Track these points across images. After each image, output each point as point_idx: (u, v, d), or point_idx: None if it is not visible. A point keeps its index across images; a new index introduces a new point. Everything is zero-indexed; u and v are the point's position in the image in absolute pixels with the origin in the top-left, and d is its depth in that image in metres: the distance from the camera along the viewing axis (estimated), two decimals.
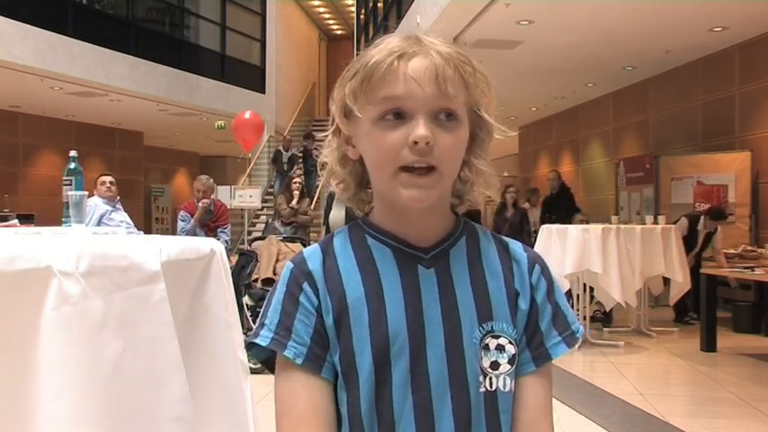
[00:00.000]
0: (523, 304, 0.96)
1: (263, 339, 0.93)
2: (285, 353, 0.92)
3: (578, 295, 6.70)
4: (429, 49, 0.90)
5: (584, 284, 6.72)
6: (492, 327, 0.94)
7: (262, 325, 0.95)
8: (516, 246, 1.01)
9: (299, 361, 0.91)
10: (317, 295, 0.93)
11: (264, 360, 0.97)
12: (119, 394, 1.26)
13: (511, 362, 0.94)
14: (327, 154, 0.99)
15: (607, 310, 7.28)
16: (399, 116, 0.89)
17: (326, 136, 0.99)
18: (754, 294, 7.33)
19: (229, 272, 1.64)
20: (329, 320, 0.92)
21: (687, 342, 6.80)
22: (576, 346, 6.39)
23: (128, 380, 1.27)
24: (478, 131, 0.96)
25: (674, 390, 5.56)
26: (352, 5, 19.11)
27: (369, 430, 0.91)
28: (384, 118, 0.89)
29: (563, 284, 6.48)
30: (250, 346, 0.96)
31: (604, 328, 7.44)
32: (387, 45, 0.91)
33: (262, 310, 0.97)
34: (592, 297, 7.14)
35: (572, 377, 5.41)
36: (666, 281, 7.37)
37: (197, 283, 1.52)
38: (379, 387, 0.90)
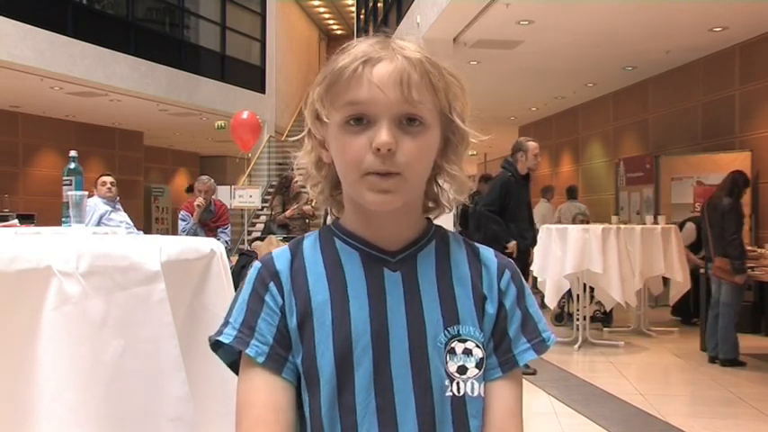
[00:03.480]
0: (491, 308, 0.96)
1: (226, 337, 0.93)
2: (247, 351, 0.92)
3: (578, 295, 6.70)
4: (395, 54, 0.89)
5: (584, 284, 6.72)
6: (458, 330, 0.93)
7: (226, 323, 0.94)
8: (487, 251, 1.01)
9: (260, 360, 0.91)
10: (283, 296, 0.93)
11: (230, 363, 0.97)
12: (119, 394, 1.26)
13: (478, 366, 0.93)
14: (303, 156, 0.99)
15: (607, 310, 7.29)
16: (363, 121, 0.89)
17: (302, 138, 1.00)
18: (754, 294, 7.32)
19: (229, 272, 1.64)
20: (293, 322, 0.92)
21: (687, 342, 6.81)
22: (576, 346, 6.40)
23: (128, 380, 1.27)
24: (451, 136, 0.95)
25: (674, 390, 5.55)
26: (352, 5, 19.09)
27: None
28: (348, 123, 0.89)
29: (563, 284, 6.48)
30: (215, 346, 0.95)
31: (604, 328, 7.44)
32: (354, 50, 0.91)
33: (228, 308, 0.97)
34: (592, 297, 7.13)
35: (572, 377, 5.41)
36: (666, 281, 7.38)
37: (197, 283, 1.52)
38: (341, 390, 0.90)
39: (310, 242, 0.99)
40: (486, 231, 5.49)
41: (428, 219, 1.01)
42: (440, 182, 0.99)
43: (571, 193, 10.07)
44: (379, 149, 0.87)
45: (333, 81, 0.90)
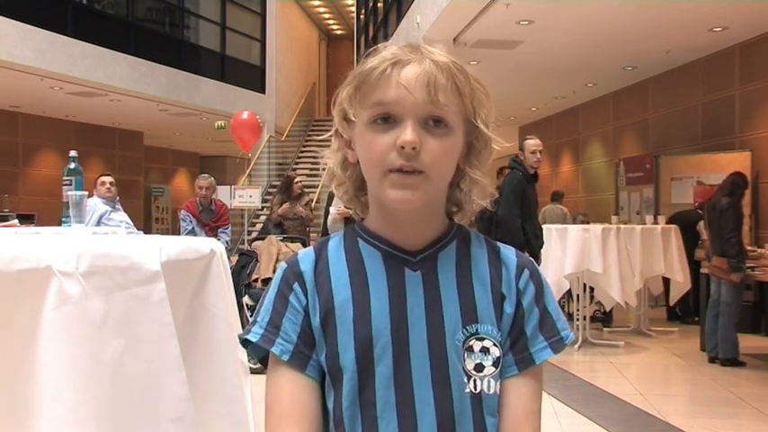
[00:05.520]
0: (509, 308, 0.97)
1: (254, 336, 0.97)
2: (273, 349, 0.96)
3: (578, 295, 6.69)
4: (424, 58, 0.92)
5: (584, 284, 6.71)
6: (477, 329, 0.95)
7: (254, 322, 0.98)
8: (508, 250, 1.02)
9: (285, 358, 0.95)
10: (306, 296, 0.97)
11: (262, 358, 1.00)
12: (119, 394, 1.26)
13: (495, 364, 0.95)
14: (330, 156, 1.02)
15: (607, 310, 7.29)
16: (390, 121, 0.91)
17: (330, 137, 1.02)
18: (754, 294, 7.32)
19: (229, 272, 1.64)
20: (316, 321, 0.96)
21: (687, 342, 6.81)
22: (576, 346, 6.41)
23: (128, 380, 1.27)
24: (475, 141, 0.97)
25: (674, 390, 5.56)
26: (352, 5, 19.07)
27: (351, 426, 0.93)
28: (375, 122, 0.92)
29: (563, 284, 6.48)
30: (245, 343, 0.99)
31: (604, 328, 7.44)
32: (384, 52, 0.94)
33: (257, 307, 1.01)
34: (592, 297, 7.13)
35: (572, 377, 5.41)
36: (665, 281, 7.38)
37: (197, 283, 1.52)
38: (362, 385, 0.93)
39: (335, 243, 1.02)
40: (511, 241, 5.13)
41: (450, 220, 1.02)
42: (463, 187, 1.00)
43: (555, 197, 10.23)
44: (403, 147, 0.89)
45: (361, 81, 0.93)
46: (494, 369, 0.95)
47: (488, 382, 0.95)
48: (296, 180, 7.96)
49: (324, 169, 1.04)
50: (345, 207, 1.07)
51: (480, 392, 0.94)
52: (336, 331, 0.94)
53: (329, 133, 1.01)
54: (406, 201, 0.91)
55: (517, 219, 5.31)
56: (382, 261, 0.97)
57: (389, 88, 0.90)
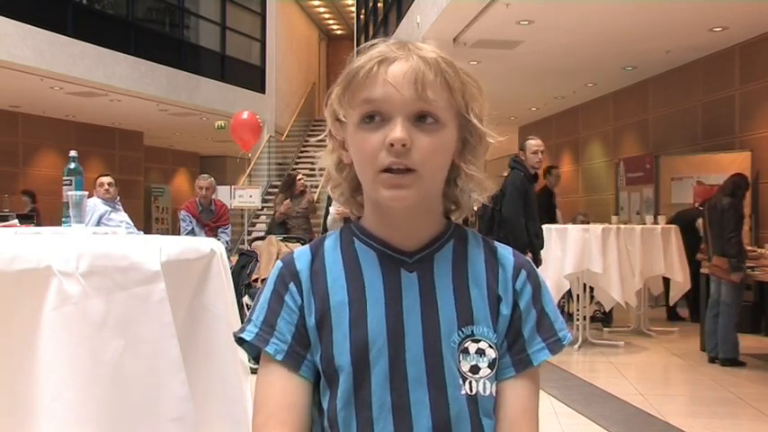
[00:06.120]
0: (505, 309, 0.97)
1: (248, 334, 0.96)
2: (267, 348, 0.95)
3: (578, 295, 6.69)
4: (411, 54, 0.91)
5: (584, 284, 6.71)
6: (472, 331, 0.95)
7: (249, 321, 0.98)
8: (505, 251, 1.01)
9: (279, 357, 0.94)
10: (302, 295, 0.96)
11: (256, 356, 1.00)
12: (119, 394, 1.26)
13: (491, 366, 0.95)
14: (325, 157, 1.01)
15: (607, 310, 7.28)
16: (379, 119, 0.90)
17: (325, 137, 1.01)
18: (754, 294, 7.32)
19: (229, 272, 1.64)
20: (311, 321, 0.95)
21: (687, 342, 6.80)
22: (576, 346, 6.41)
23: (128, 380, 1.27)
24: (469, 137, 0.97)
25: (674, 390, 5.55)
26: (352, 5, 19.07)
27: (345, 427, 0.92)
28: (364, 120, 0.91)
29: (563, 284, 6.48)
30: (240, 342, 0.99)
31: (604, 328, 7.44)
32: (371, 51, 0.93)
33: (252, 306, 1.01)
34: (592, 297, 7.13)
35: (572, 377, 5.40)
36: (666, 281, 7.37)
37: (197, 283, 1.52)
38: (357, 387, 0.92)
39: (331, 242, 1.01)
40: (515, 240, 5.08)
41: (448, 219, 1.02)
42: (459, 184, 0.99)
43: None
44: (392, 145, 0.88)
45: (349, 81, 0.92)
46: (489, 371, 0.95)
47: (484, 383, 0.94)
48: (298, 177, 7.94)
49: (321, 170, 1.04)
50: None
51: (476, 394, 0.94)
52: (332, 333, 0.93)
53: (323, 134, 1.01)
54: (399, 199, 0.91)
55: (521, 218, 5.30)
56: (378, 262, 0.96)
57: (376, 86, 0.90)
